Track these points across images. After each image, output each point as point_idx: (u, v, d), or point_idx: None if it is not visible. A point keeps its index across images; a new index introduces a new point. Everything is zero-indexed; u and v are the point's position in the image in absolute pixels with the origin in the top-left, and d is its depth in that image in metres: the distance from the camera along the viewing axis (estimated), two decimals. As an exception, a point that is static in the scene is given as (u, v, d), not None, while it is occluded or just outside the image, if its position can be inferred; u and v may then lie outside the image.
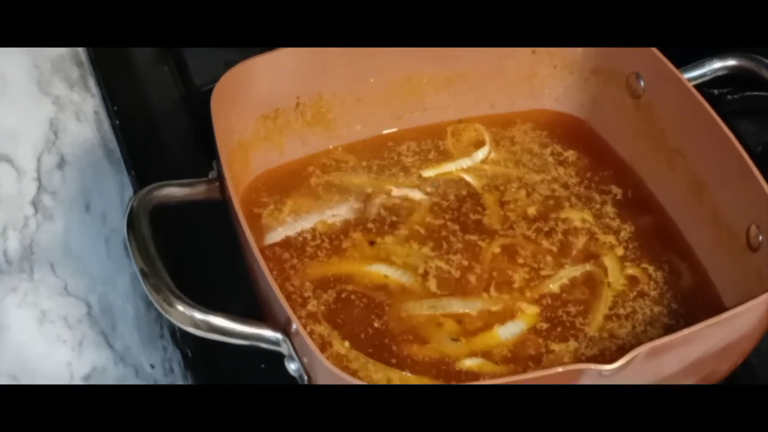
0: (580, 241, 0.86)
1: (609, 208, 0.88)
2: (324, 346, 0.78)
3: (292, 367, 0.72)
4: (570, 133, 0.94)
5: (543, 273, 0.84)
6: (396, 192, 0.89)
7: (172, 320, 0.72)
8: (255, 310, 0.76)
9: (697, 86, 0.85)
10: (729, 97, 0.97)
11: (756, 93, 0.97)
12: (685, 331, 0.70)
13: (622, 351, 0.73)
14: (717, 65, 0.89)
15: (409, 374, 0.77)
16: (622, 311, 0.82)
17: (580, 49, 0.92)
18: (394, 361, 0.78)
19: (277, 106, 0.88)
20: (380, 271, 0.83)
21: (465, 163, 0.91)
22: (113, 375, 0.83)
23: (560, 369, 0.69)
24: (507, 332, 0.80)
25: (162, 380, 0.83)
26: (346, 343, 0.78)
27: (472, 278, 0.83)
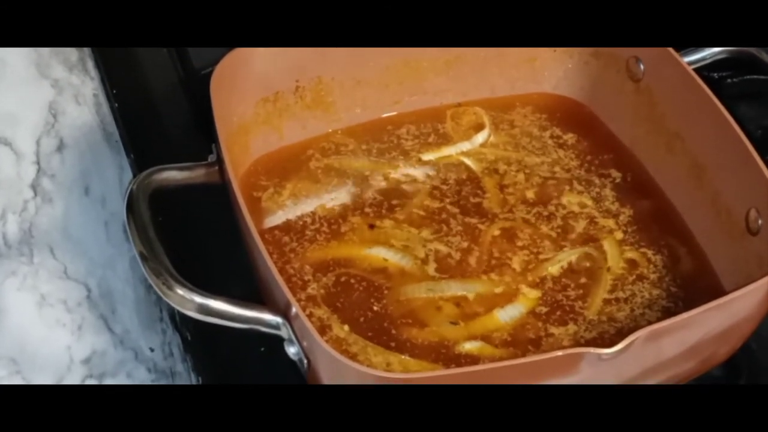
0: (579, 225, 0.86)
1: (608, 192, 0.88)
2: (323, 329, 0.78)
3: (291, 350, 0.72)
4: (570, 116, 0.94)
5: (542, 256, 0.84)
6: (395, 174, 0.89)
7: (172, 304, 0.72)
8: (254, 293, 0.76)
9: (697, 70, 0.85)
10: (729, 80, 0.97)
11: (756, 77, 0.96)
12: (685, 315, 0.71)
13: (620, 334, 0.73)
14: (717, 49, 0.89)
15: (408, 358, 0.77)
16: (621, 295, 0.82)
17: (580, 33, 0.92)
18: (393, 344, 0.78)
19: (277, 89, 0.88)
20: (380, 254, 0.83)
21: (464, 146, 0.91)
22: (113, 358, 0.83)
23: (560, 353, 0.68)
24: (506, 315, 0.80)
25: (161, 364, 0.84)
26: (346, 327, 0.78)
27: (472, 261, 0.83)
